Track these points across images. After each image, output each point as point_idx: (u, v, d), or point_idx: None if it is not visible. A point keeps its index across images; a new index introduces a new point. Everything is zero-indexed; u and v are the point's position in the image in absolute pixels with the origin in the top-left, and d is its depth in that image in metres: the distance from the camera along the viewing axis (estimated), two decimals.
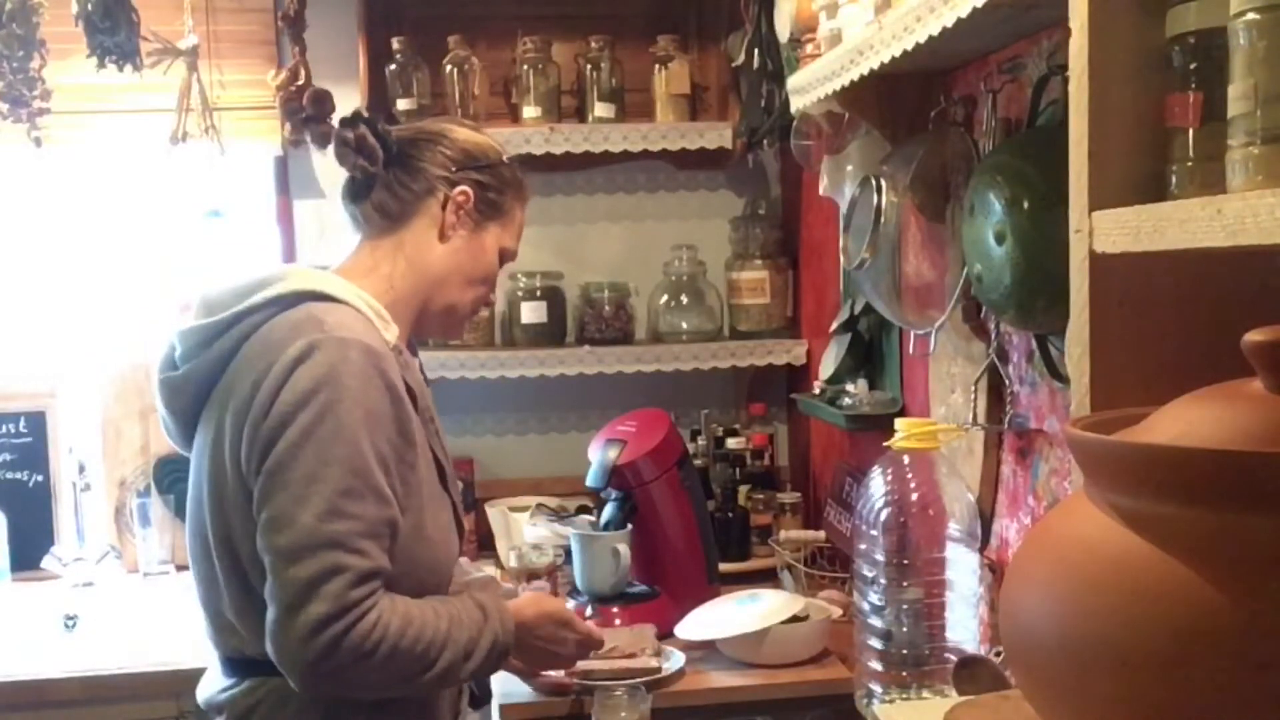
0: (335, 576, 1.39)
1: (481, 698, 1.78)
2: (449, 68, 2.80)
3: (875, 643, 1.68)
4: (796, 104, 2.07)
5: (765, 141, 2.69)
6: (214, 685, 1.59)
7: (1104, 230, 0.96)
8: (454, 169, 1.65)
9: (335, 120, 1.79)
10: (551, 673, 1.95)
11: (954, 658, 1.59)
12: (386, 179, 1.64)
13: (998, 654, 1.59)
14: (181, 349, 1.56)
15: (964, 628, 1.68)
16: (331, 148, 1.68)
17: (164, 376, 1.59)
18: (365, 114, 1.66)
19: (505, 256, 1.73)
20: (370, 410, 1.45)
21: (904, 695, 1.65)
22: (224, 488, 1.50)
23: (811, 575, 2.41)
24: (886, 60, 1.60)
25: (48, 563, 2.76)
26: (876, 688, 1.68)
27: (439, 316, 1.69)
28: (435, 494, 1.59)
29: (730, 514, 2.66)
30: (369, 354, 1.47)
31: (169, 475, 2.79)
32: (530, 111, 2.81)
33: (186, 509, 1.61)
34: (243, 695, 1.53)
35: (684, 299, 2.92)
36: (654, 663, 1.98)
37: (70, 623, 2.41)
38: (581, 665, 1.93)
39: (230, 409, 1.49)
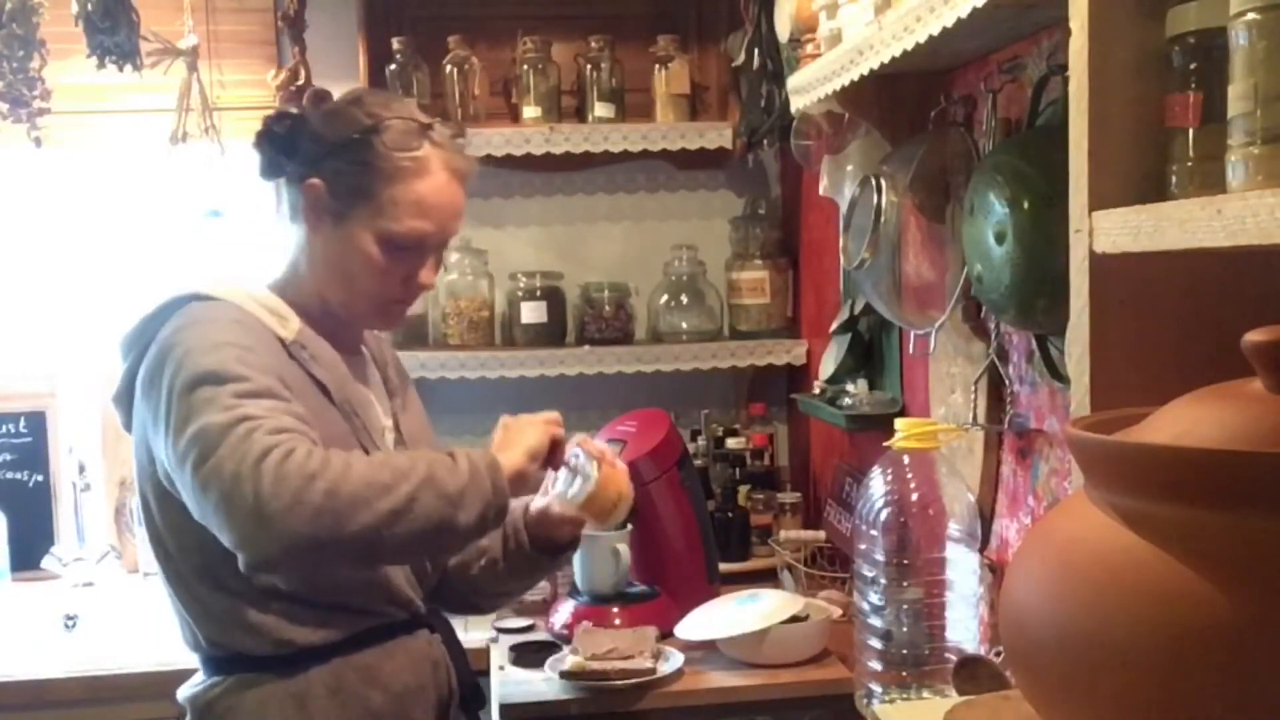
0: (253, 431, 1.35)
1: (475, 702, 1.75)
2: (449, 68, 2.81)
3: (875, 643, 1.68)
4: (796, 104, 2.07)
5: (765, 141, 2.69)
6: (188, 682, 1.60)
7: (1104, 230, 0.96)
8: (309, 158, 1.56)
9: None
10: None
11: (954, 658, 1.59)
12: (267, 175, 1.63)
13: (998, 654, 1.59)
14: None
15: (964, 628, 1.68)
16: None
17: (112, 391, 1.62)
18: (276, 111, 1.65)
19: (397, 239, 1.57)
20: (218, 341, 1.44)
21: (904, 695, 1.65)
22: (144, 484, 1.53)
23: (811, 575, 2.41)
24: (886, 60, 1.60)
25: (48, 563, 2.76)
26: (876, 688, 1.68)
27: (343, 311, 1.63)
28: None
29: (730, 514, 2.66)
30: (221, 326, 1.48)
31: None
32: (530, 111, 2.81)
33: None
34: (203, 691, 1.55)
35: (684, 299, 2.92)
36: (649, 664, 1.98)
37: (70, 623, 2.42)
38: (576, 666, 1.95)
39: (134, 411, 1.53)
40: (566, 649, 2.06)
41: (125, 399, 1.57)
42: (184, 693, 1.59)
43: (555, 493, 1.71)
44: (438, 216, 1.59)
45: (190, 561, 1.51)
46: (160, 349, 1.48)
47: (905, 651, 1.66)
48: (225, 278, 1.61)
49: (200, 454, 1.37)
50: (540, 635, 2.25)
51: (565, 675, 1.96)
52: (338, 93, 1.69)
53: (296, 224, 1.61)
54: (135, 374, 1.53)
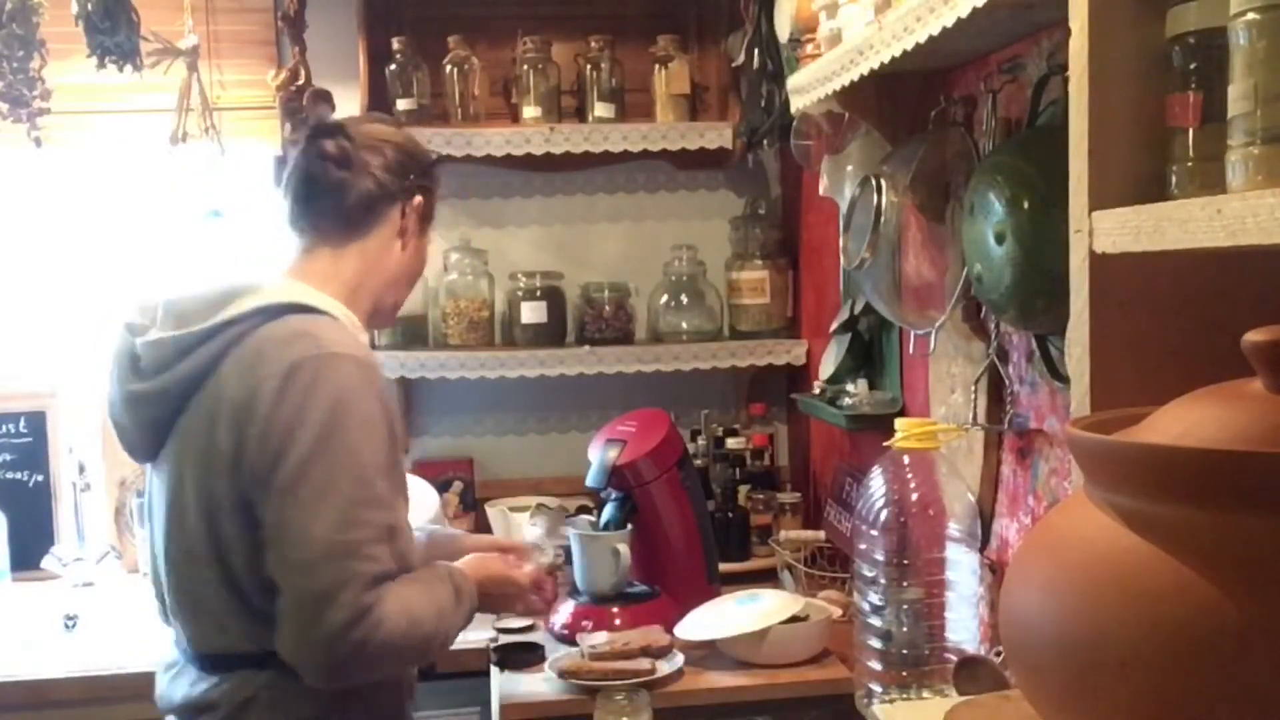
0: (350, 584, 1.46)
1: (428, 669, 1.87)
2: (449, 68, 2.81)
3: (875, 643, 1.68)
4: (796, 104, 2.07)
5: (765, 141, 2.69)
6: (188, 685, 1.60)
7: (1104, 230, 0.96)
8: (410, 177, 1.74)
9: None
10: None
11: (954, 658, 1.59)
12: (345, 190, 1.70)
13: (998, 654, 1.59)
14: (152, 359, 1.57)
15: (964, 628, 1.68)
16: (296, 165, 1.76)
17: (133, 389, 1.59)
18: (319, 126, 1.78)
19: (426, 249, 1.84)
20: (365, 422, 1.52)
21: (904, 695, 1.65)
22: (216, 498, 1.52)
23: (811, 575, 2.41)
24: (886, 60, 1.60)
25: (48, 563, 2.76)
26: (876, 688, 1.68)
27: (383, 314, 1.79)
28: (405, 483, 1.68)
29: (730, 514, 2.66)
30: (362, 367, 1.55)
31: None
32: (530, 111, 2.81)
33: (151, 518, 1.64)
34: (235, 689, 1.56)
35: (684, 299, 2.92)
36: (648, 664, 1.98)
37: (70, 623, 2.42)
38: (575, 665, 1.97)
39: (223, 420, 1.52)
40: (566, 649, 2.06)
41: (171, 357, 1.56)
42: (192, 694, 1.59)
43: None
44: None
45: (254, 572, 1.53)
46: (301, 388, 1.49)
47: (905, 651, 1.66)
48: (307, 288, 1.65)
49: (302, 561, 1.47)
50: (533, 636, 2.25)
51: (564, 675, 1.96)
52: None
53: (368, 235, 1.71)
54: (211, 362, 1.54)
